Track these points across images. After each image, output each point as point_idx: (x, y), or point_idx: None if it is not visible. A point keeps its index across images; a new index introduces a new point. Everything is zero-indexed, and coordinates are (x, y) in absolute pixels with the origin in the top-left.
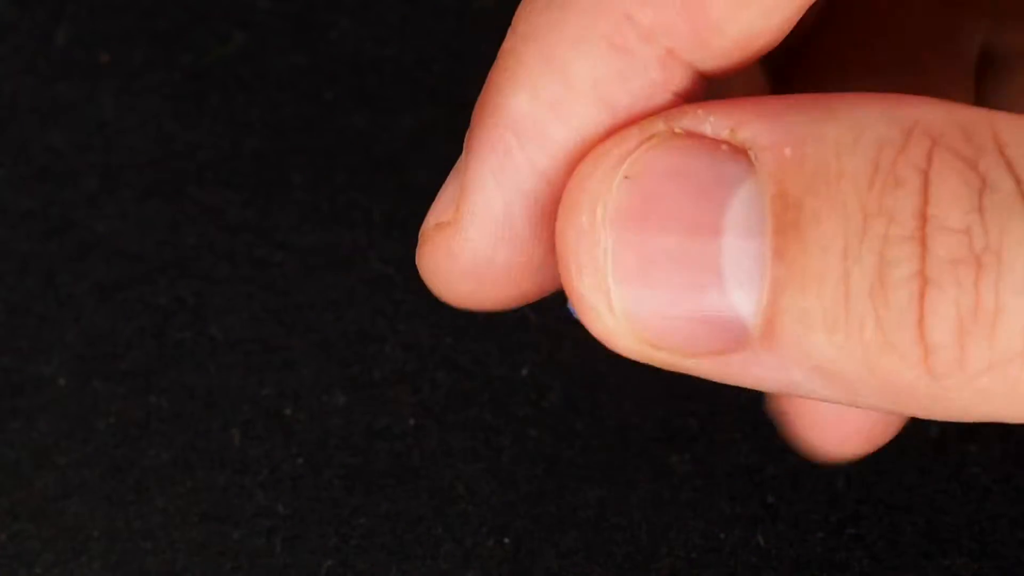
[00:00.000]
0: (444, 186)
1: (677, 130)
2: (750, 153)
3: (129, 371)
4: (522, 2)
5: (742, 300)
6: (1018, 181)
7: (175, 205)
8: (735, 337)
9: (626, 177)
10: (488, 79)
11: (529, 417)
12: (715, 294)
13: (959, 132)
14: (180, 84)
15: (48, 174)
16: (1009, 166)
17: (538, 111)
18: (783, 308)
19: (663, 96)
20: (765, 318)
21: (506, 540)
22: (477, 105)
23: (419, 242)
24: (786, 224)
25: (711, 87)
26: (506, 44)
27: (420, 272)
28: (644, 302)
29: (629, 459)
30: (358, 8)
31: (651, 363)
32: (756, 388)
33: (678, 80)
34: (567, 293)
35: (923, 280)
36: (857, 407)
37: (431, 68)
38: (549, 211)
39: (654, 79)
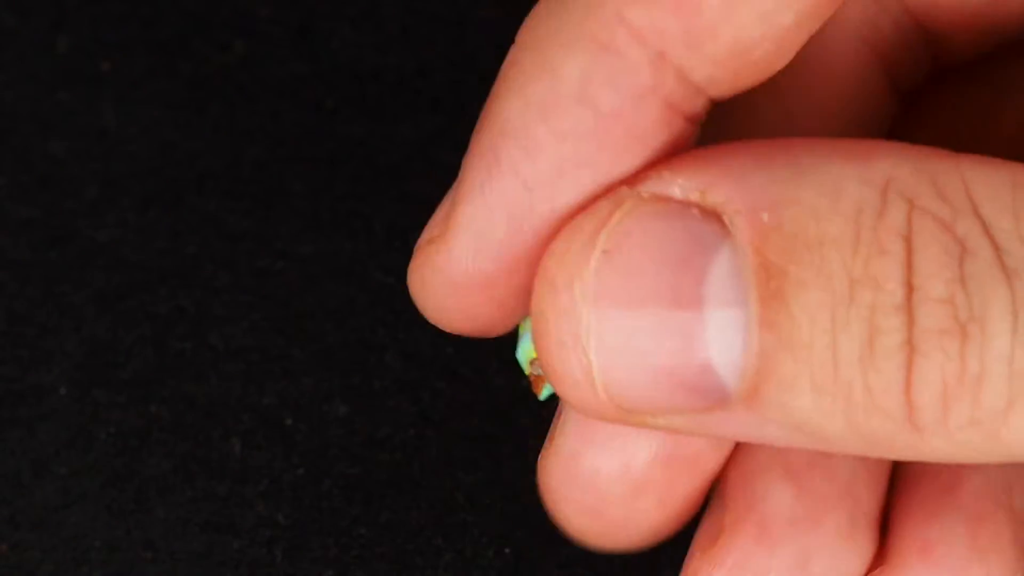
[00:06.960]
0: (443, 201)
1: (644, 195)
2: (724, 218)
3: (130, 380)
4: (528, 15)
5: (725, 367)
6: (995, 246)
7: (175, 214)
8: (715, 399)
9: (604, 252)
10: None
11: (530, 427)
12: (698, 363)
13: (932, 190)
14: (181, 93)
15: (48, 182)
16: (986, 229)
17: (526, 115)
18: (770, 375)
19: (654, 104)
20: (751, 384)
21: (507, 550)
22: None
23: (412, 258)
24: (770, 293)
25: (720, 118)
26: (508, 56)
27: (409, 288)
28: (626, 377)
29: None
30: (359, 17)
31: (622, 424)
32: (722, 438)
33: (670, 86)
34: (541, 364)
35: (911, 348)
36: (826, 451)
37: (433, 77)
38: (529, 225)
39: (643, 82)
